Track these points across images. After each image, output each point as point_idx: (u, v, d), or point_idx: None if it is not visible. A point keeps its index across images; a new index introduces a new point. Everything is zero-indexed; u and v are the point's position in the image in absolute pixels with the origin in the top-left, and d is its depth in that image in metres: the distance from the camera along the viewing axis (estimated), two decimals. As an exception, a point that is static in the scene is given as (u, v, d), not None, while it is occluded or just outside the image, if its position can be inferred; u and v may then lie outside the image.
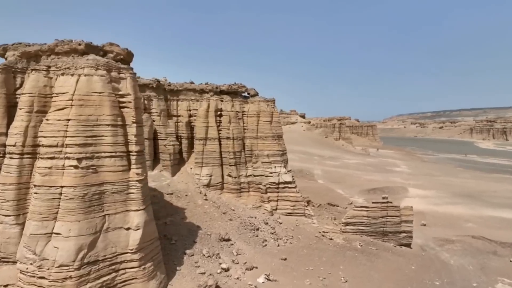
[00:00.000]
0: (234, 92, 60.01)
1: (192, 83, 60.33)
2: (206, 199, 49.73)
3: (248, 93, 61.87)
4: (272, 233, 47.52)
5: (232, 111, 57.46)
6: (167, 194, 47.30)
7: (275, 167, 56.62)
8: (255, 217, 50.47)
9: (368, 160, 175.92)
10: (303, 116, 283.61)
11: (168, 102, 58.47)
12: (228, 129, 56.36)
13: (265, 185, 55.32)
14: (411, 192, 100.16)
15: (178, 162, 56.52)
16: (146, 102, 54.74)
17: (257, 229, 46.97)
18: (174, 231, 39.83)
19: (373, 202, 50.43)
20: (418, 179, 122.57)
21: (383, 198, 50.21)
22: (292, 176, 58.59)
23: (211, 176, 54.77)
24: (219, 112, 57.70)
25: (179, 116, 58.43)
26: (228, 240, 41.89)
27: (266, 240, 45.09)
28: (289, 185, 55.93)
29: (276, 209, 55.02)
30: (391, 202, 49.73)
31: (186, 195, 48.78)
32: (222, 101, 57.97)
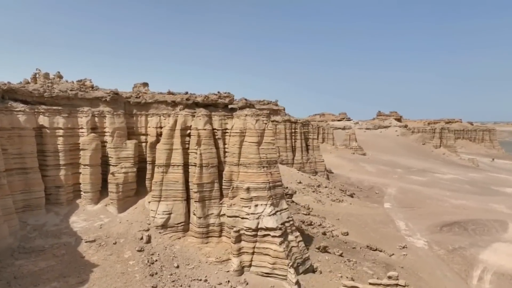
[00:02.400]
0: (213, 104, 46.34)
1: (170, 93, 48.72)
2: (141, 250, 37.43)
3: (238, 105, 47.53)
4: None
5: (205, 129, 43.87)
6: (87, 241, 36.57)
7: (256, 206, 41.26)
8: (207, 281, 36.27)
9: (471, 176, 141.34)
10: (398, 120, 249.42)
11: (134, 118, 47.89)
12: (196, 153, 43.07)
13: (237, 231, 40.50)
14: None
15: (137, 193, 45.51)
16: (97, 119, 45.04)
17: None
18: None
19: (370, 283, 31.32)
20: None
21: (390, 277, 30.57)
22: (283, 221, 42.26)
23: (169, 214, 42.19)
24: (188, 131, 44.80)
25: (147, 135, 47.41)
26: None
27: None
28: (272, 233, 39.97)
29: (250, 265, 39.74)
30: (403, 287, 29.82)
31: (114, 243, 37.39)
32: (194, 116, 44.91)
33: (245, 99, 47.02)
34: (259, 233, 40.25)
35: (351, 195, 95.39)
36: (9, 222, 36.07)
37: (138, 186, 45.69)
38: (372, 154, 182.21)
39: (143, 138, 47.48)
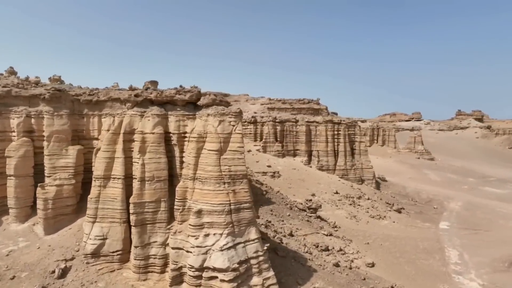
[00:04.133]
0: (170, 102, 36.59)
1: (131, 89, 40.15)
2: (44, 289, 29.17)
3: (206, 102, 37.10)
4: None
5: (153, 133, 34.40)
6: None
7: (206, 235, 30.67)
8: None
9: None
10: (479, 119, 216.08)
11: (85, 119, 40.16)
12: (138, 163, 33.78)
13: (176, 269, 30.36)
14: None
15: (79, 211, 37.58)
16: (34, 121, 38.05)
17: None
18: None
19: None
20: None
21: None
22: (246, 258, 30.95)
23: (104, 239, 33.41)
24: (135, 135, 35.69)
25: (100, 140, 39.37)
26: None
27: None
28: (221, 275, 29.09)
29: (190, 318, 29.33)
30: None
31: (12, 278, 29.47)
32: (142, 116, 35.68)
33: (214, 95, 36.47)
34: (204, 274, 29.64)
35: (399, 210, 79.08)
36: None
37: (83, 202, 37.77)
38: (442, 159, 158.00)
39: (95, 143, 39.58)
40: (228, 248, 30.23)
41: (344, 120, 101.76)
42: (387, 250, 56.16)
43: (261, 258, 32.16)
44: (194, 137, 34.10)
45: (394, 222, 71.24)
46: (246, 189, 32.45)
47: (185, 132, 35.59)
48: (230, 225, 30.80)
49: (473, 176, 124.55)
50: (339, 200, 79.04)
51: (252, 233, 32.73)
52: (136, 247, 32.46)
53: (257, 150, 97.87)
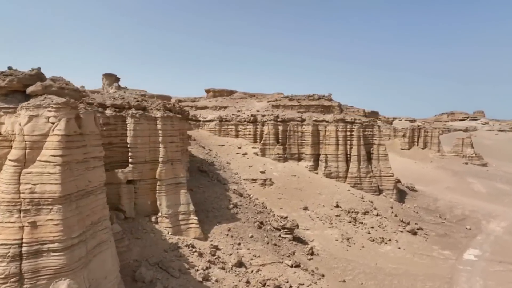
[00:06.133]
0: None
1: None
2: None
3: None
4: None
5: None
6: None
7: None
8: None
9: None
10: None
11: None
12: None
13: None
14: None
15: None
16: None
17: None
18: None
19: None
20: None
21: None
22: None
23: None
24: None
25: None
26: None
27: None
28: None
29: None
30: None
31: None
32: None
33: (52, 80, 25.49)
34: None
35: (413, 232, 62.81)
36: None
37: None
38: (497, 165, 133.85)
39: None
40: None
41: (359, 119, 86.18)
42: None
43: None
44: None
45: (399, 248, 55.65)
46: (58, 220, 21.12)
47: None
48: (14, 278, 19.74)
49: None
50: (336, 215, 64.66)
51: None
52: None
53: (254, 153, 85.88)
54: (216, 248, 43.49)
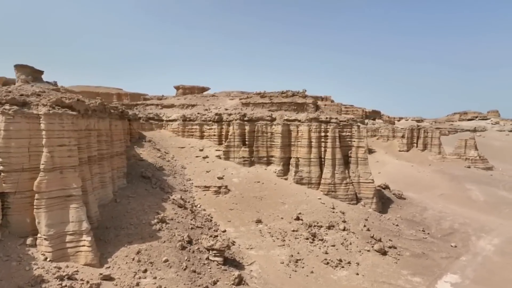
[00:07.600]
0: None
1: None
2: None
3: None
4: None
5: None
6: None
7: None
8: None
9: None
10: None
11: None
12: None
13: None
14: None
15: None
16: None
17: None
18: None
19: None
20: None
21: None
22: None
23: None
24: None
25: None
26: None
27: None
28: None
29: None
30: None
31: None
32: None
33: None
34: None
35: (382, 251, 52.81)
36: None
37: None
38: (503, 169, 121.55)
39: None
40: None
41: (335, 118, 76.28)
42: None
43: None
44: None
45: (357, 274, 45.80)
46: None
47: None
48: None
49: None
50: (293, 231, 55.17)
51: None
52: None
53: (217, 156, 76.98)
54: (108, 278, 34.79)
